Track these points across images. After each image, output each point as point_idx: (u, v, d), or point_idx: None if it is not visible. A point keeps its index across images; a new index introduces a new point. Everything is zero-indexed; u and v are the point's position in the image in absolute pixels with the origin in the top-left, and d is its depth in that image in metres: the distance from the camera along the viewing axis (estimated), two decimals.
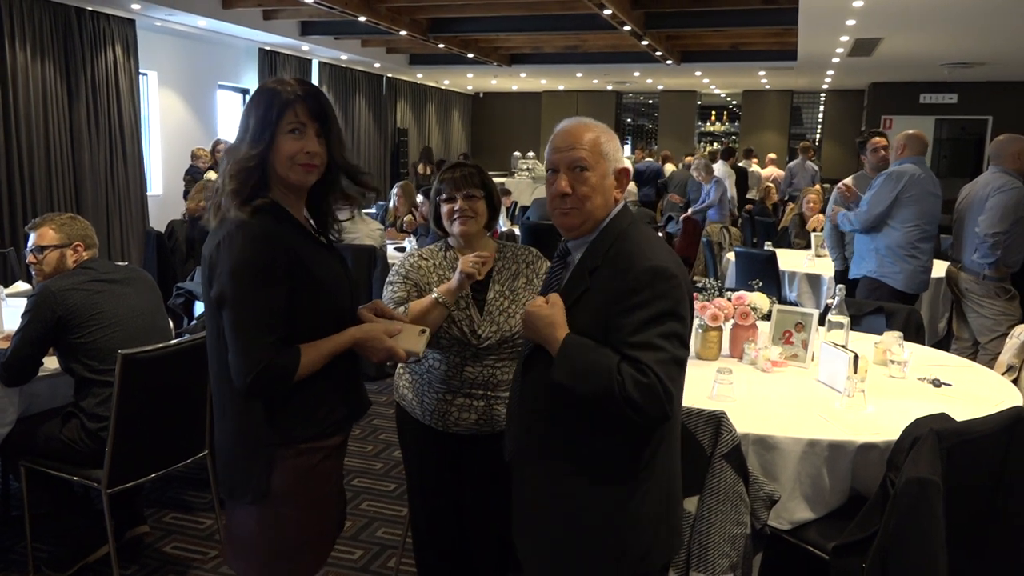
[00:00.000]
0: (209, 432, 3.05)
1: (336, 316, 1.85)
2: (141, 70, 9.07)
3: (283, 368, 1.72)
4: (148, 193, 9.22)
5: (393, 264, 2.41)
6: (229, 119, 11.35)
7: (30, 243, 3.00)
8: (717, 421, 2.20)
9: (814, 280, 5.56)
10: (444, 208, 2.32)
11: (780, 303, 3.30)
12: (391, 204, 7.23)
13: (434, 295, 2.19)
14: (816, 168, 11.54)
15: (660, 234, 9.19)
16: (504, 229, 6.96)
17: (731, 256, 6.25)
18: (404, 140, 15.54)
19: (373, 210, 8.45)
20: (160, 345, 2.82)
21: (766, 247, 6.27)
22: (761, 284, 3.45)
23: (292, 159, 1.77)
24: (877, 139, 5.10)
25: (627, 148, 17.55)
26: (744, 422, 2.32)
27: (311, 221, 1.94)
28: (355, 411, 1.94)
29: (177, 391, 2.92)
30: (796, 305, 4.78)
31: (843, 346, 2.82)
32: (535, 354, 1.79)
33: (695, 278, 7.13)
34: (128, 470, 2.82)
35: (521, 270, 2.36)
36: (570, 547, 1.76)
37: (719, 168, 9.55)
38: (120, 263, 4.16)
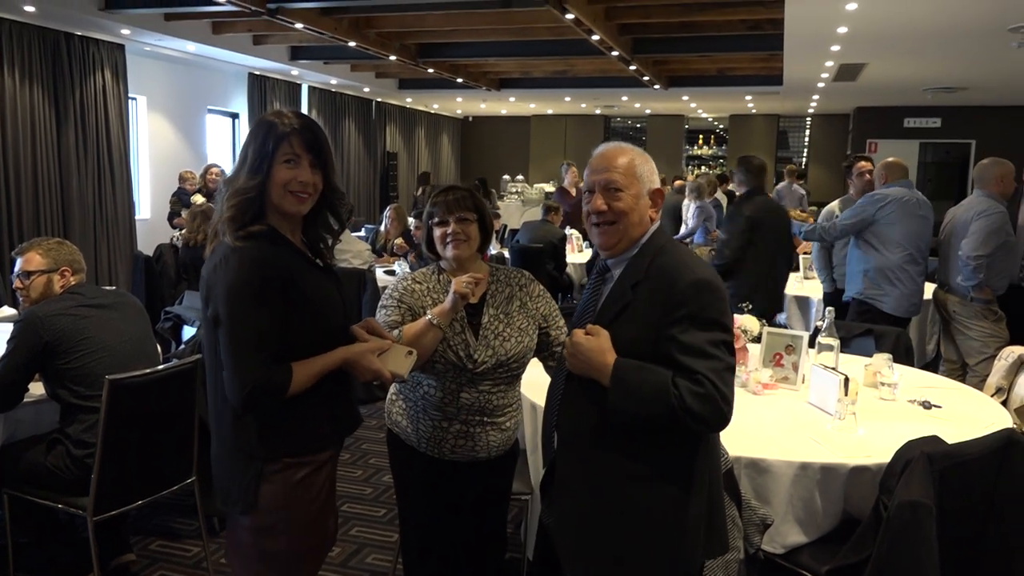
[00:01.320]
0: (197, 458, 3.02)
1: (329, 335, 1.90)
2: (130, 95, 9.07)
3: (276, 385, 1.78)
4: (136, 217, 9.19)
5: (385, 287, 2.40)
6: (218, 143, 11.36)
7: (16, 268, 2.98)
8: None
9: (803, 302, 5.58)
10: (437, 232, 2.32)
11: (770, 325, 3.31)
12: (383, 227, 7.22)
13: (428, 317, 2.19)
14: (803, 192, 11.60)
15: None
16: (494, 252, 6.96)
17: None
18: (394, 164, 15.56)
19: (363, 233, 8.45)
20: (148, 371, 2.80)
21: None
22: (751, 306, 3.46)
23: (285, 186, 1.85)
24: (863, 163, 5.16)
25: None
26: (736, 445, 2.32)
27: (308, 244, 2.00)
28: (343, 427, 2.00)
29: (164, 417, 2.89)
30: (786, 327, 4.79)
31: (833, 368, 2.82)
32: (574, 378, 1.84)
33: None
34: (114, 497, 2.78)
35: (515, 293, 2.36)
36: (623, 559, 1.79)
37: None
38: (108, 288, 4.13)
